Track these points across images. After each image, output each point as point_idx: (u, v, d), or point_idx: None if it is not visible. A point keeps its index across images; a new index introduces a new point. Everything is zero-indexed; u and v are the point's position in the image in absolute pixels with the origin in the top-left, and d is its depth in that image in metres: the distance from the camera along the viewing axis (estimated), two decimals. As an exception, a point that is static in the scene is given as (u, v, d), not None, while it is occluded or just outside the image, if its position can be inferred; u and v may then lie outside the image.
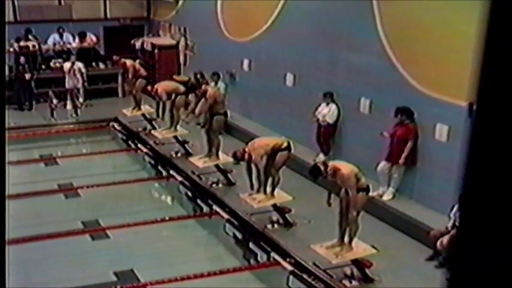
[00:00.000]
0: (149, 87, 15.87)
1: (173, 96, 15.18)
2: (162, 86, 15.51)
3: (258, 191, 11.30)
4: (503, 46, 1.26)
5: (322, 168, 9.23)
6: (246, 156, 10.96)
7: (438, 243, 9.64)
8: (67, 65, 19.30)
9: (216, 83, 16.56)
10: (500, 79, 1.27)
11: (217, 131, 13.49)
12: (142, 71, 17.40)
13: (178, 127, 15.27)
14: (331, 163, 9.53)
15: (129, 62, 17.51)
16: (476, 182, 1.34)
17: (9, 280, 8.72)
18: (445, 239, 9.54)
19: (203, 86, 13.96)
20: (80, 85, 19.33)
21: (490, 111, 1.30)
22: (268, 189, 11.25)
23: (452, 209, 9.76)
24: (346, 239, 9.45)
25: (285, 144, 11.21)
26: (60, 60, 20.23)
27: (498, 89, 1.28)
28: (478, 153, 1.33)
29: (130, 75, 17.32)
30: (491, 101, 1.30)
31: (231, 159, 11.84)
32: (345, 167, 9.28)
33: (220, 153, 13.43)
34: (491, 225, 1.32)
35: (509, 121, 1.26)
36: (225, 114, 13.74)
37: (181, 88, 15.39)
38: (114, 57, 18.49)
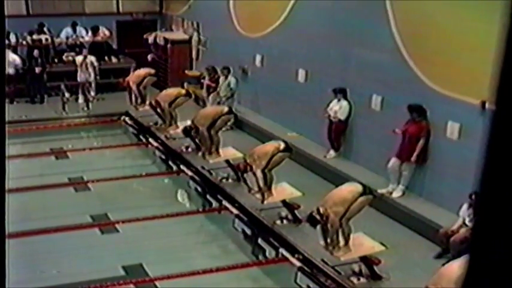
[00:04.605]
0: (153, 101, 15.95)
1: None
2: (163, 97, 15.78)
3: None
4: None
5: (318, 217, 9.20)
6: (248, 167, 11.17)
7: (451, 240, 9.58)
8: (79, 59, 19.35)
9: (226, 77, 16.61)
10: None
11: (218, 130, 13.68)
12: (149, 80, 17.36)
13: (178, 123, 15.49)
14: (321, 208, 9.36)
15: (131, 81, 17.24)
16: (494, 181, 1.31)
17: (18, 273, 8.80)
18: (455, 238, 9.50)
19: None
20: (91, 79, 19.39)
21: (509, 110, 1.27)
22: (264, 188, 11.29)
23: (461, 208, 9.71)
24: (341, 241, 9.36)
25: (283, 146, 11.26)
26: (72, 53, 20.29)
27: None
28: (496, 152, 1.30)
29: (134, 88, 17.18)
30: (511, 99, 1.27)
31: (240, 155, 11.84)
32: (334, 211, 9.17)
33: (220, 149, 13.56)
34: (509, 225, 1.30)
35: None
36: (230, 111, 13.94)
37: (183, 92, 15.79)
38: (120, 80, 17.83)
